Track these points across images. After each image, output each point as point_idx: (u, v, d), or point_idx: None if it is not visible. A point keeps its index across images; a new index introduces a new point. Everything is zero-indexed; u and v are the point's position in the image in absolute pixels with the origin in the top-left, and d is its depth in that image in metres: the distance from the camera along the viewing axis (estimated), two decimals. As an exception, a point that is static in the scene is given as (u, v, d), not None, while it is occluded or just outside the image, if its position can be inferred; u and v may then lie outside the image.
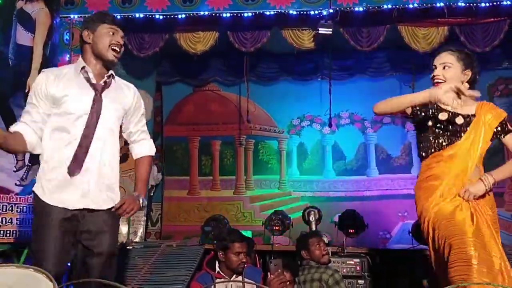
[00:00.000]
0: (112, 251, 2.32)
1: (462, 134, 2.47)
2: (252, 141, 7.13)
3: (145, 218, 6.02)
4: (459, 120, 2.48)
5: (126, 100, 2.45)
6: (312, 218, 5.29)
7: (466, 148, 2.45)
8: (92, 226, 2.26)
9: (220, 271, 3.23)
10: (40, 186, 2.26)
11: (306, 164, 7.10)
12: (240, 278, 3.14)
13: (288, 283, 3.07)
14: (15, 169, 4.79)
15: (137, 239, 5.74)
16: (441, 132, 2.49)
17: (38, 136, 2.28)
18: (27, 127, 2.26)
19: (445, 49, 2.58)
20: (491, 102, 6.95)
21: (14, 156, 4.79)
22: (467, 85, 2.49)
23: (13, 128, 2.26)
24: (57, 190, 2.24)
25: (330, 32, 5.21)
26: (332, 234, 5.27)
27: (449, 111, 2.50)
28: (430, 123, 2.51)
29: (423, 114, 2.54)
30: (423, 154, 2.54)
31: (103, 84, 2.35)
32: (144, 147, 2.52)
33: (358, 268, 4.50)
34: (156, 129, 6.50)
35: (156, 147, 2.64)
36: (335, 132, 7.04)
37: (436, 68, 2.52)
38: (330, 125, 6.61)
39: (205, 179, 7.07)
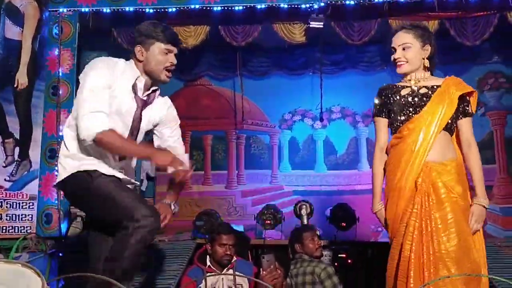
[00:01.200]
0: None
1: (426, 105, 2.39)
2: (243, 135, 7.12)
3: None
4: (423, 90, 2.42)
5: (159, 115, 2.43)
6: (303, 212, 5.30)
7: (428, 119, 2.35)
8: None
9: (211, 265, 3.22)
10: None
11: (297, 158, 7.11)
12: (231, 271, 3.14)
13: (280, 277, 3.07)
14: (4, 165, 4.75)
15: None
16: (406, 105, 2.41)
17: None
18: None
19: (400, 28, 2.51)
20: (482, 95, 7.01)
21: (3, 151, 4.75)
22: (427, 62, 2.45)
23: (108, 125, 2.13)
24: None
25: (321, 26, 5.21)
26: (324, 227, 5.29)
27: (411, 86, 2.45)
28: (395, 104, 2.43)
29: (388, 109, 2.48)
30: (393, 131, 2.47)
31: (146, 98, 2.31)
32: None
33: (349, 261, 4.53)
34: (147, 124, 6.46)
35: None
36: (326, 126, 7.05)
37: (395, 50, 2.46)
38: (321, 120, 6.61)
39: (196, 174, 7.05)
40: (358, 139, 7.03)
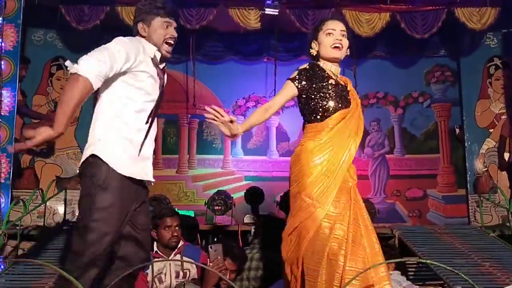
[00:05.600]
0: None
1: (350, 99, 2.51)
2: (196, 120, 7.05)
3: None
4: (341, 85, 2.54)
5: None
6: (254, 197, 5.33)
7: (356, 115, 2.51)
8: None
9: (157, 251, 3.19)
10: (111, 154, 2.15)
11: (250, 144, 7.13)
12: (179, 256, 3.13)
13: (226, 269, 3.06)
14: None
15: (74, 220, 5.57)
16: (336, 93, 2.47)
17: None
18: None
19: (336, 17, 2.64)
20: (428, 87, 7.27)
21: None
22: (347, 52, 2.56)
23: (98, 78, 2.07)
24: (130, 162, 2.20)
25: (277, 13, 5.22)
26: (274, 213, 5.35)
27: (335, 79, 2.52)
28: (320, 87, 2.47)
29: (310, 87, 2.48)
30: (311, 112, 2.49)
31: (163, 69, 2.37)
32: None
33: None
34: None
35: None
36: (279, 113, 7.09)
37: (335, 32, 2.47)
38: (274, 106, 6.63)
39: (147, 158, 6.93)
40: (310, 126, 7.11)
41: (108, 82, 2.18)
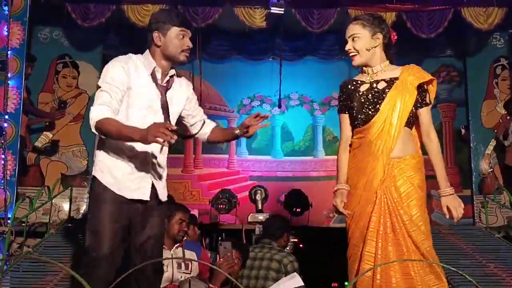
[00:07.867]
0: None
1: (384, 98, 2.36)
2: (202, 119, 7.06)
3: (89, 195, 5.87)
4: (381, 85, 2.39)
5: (186, 94, 2.53)
6: (258, 197, 5.34)
7: (385, 116, 2.33)
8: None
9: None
10: (110, 176, 2.30)
11: (255, 144, 7.13)
12: (180, 250, 3.16)
13: (236, 265, 3.09)
14: None
15: (80, 217, 5.59)
16: (365, 103, 2.39)
17: None
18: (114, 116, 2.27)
19: (351, 20, 2.50)
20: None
21: None
22: (378, 51, 2.42)
23: (106, 114, 2.20)
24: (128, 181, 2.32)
25: (282, 12, 5.22)
26: (278, 212, 5.35)
27: (370, 82, 2.42)
28: (355, 101, 2.42)
29: (350, 107, 2.45)
30: (354, 128, 2.45)
31: (166, 84, 2.42)
32: (209, 122, 2.65)
33: (301, 245, 4.61)
34: (101, 104, 6.28)
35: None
36: (284, 113, 7.09)
37: (349, 40, 2.43)
38: (279, 106, 6.64)
39: (152, 157, 6.94)
40: (315, 126, 7.11)
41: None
